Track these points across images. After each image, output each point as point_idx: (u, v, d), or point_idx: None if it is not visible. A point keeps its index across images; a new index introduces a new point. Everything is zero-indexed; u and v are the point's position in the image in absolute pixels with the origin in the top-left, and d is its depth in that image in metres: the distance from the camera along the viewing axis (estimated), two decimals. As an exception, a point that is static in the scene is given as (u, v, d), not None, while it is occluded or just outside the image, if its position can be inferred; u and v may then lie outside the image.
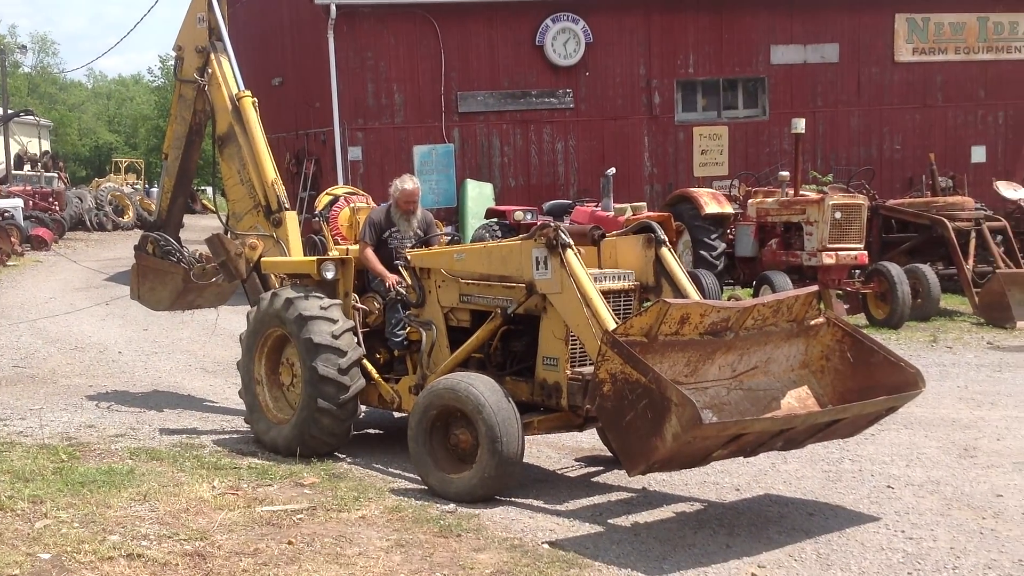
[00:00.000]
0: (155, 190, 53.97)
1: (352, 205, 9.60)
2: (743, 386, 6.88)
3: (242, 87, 10.61)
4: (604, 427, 6.36)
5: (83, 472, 7.59)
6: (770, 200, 15.98)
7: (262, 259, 9.53)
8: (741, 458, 6.99)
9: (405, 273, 8.31)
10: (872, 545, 6.14)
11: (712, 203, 16.30)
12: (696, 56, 21.36)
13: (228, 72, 10.68)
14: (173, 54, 11.27)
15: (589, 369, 7.21)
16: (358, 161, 19.47)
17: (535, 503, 7.08)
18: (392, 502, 7.04)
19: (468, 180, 19.70)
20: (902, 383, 6.70)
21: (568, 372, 7.24)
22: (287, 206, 10.05)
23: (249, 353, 8.82)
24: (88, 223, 35.52)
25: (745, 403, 6.82)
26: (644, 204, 15.99)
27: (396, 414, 9.45)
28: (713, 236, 16.02)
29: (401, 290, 8.31)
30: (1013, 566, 5.74)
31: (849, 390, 6.97)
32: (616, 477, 7.73)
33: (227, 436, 9.19)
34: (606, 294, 7.18)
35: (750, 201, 16.42)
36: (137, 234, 35.87)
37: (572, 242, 7.12)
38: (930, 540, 6.20)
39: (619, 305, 7.46)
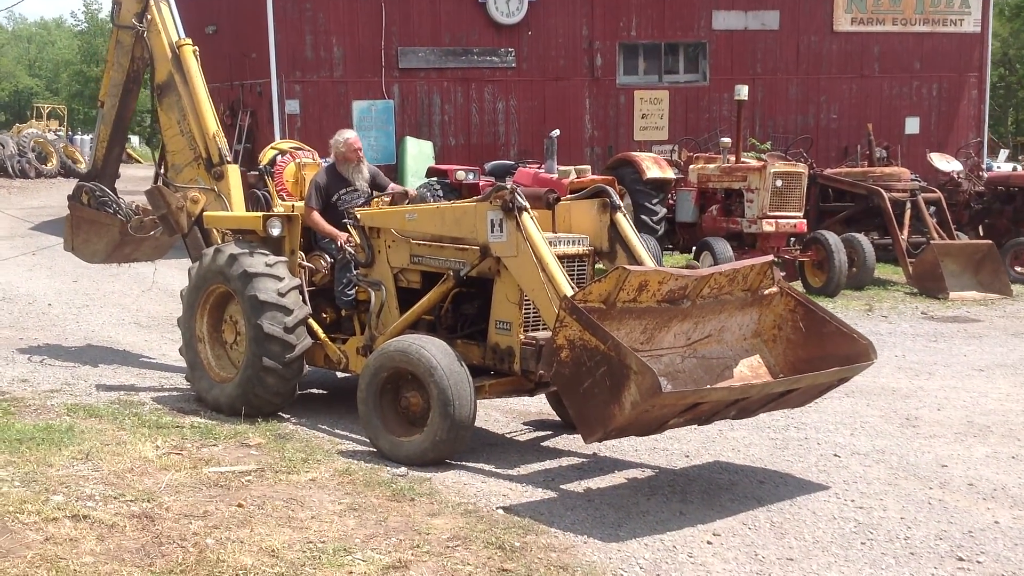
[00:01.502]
0: (79, 137, 52.76)
1: (298, 160, 9.40)
2: (697, 354, 6.88)
3: (183, 35, 10.35)
4: (560, 393, 6.30)
5: (20, 429, 7.37)
6: (711, 166, 16.02)
7: (205, 213, 9.28)
8: (690, 426, 6.99)
9: (354, 232, 8.17)
10: (824, 514, 6.18)
11: (654, 168, 16.30)
12: (639, 19, 21.29)
13: (168, 19, 10.36)
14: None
15: (543, 334, 7.16)
16: (296, 115, 19.12)
17: (486, 467, 7.02)
18: (342, 464, 6.93)
19: (408, 138, 19.47)
20: (854, 354, 6.75)
21: (521, 336, 7.18)
22: (229, 159, 9.82)
23: (190, 310, 8.61)
24: (10, 170, 34.48)
25: (699, 371, 6.82)
26: (588, 167, 15.88)
27: (339, 374, 9.34)
28: (654, 201, 16.04)
29: (350, 249, 8.16)
30: (963, 537, 5.83)
31: (800, 359, 7.01)
32: (566, 442, 7.70)
33: (166, 393, 8.99)
34: (560, 259, 7.10)
35: (691, 167, 16.45)
36: (62, 182, 35.04)
37: (528, 205, 7.04)
38: (880, 510, 6.27)
39: (573, 270, 7.39)
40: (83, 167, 38.60)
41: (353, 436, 7.72)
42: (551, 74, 20.74)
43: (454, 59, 20.09)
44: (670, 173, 16.46)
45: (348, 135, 8.76)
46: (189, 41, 10.16)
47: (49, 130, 45.39)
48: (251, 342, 8.04)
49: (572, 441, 7.70)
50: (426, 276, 7.81)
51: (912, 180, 16.86)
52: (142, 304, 13.59)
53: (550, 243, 7.06)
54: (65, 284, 15.02)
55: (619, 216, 7.58)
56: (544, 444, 7.71)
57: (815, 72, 22.54)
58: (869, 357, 6.72)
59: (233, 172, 9.74)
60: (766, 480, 6.85)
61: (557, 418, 8.23)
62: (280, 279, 8.08)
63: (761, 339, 7.17)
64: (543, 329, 7.20)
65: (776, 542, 5.77)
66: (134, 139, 48.65)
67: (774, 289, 7.07)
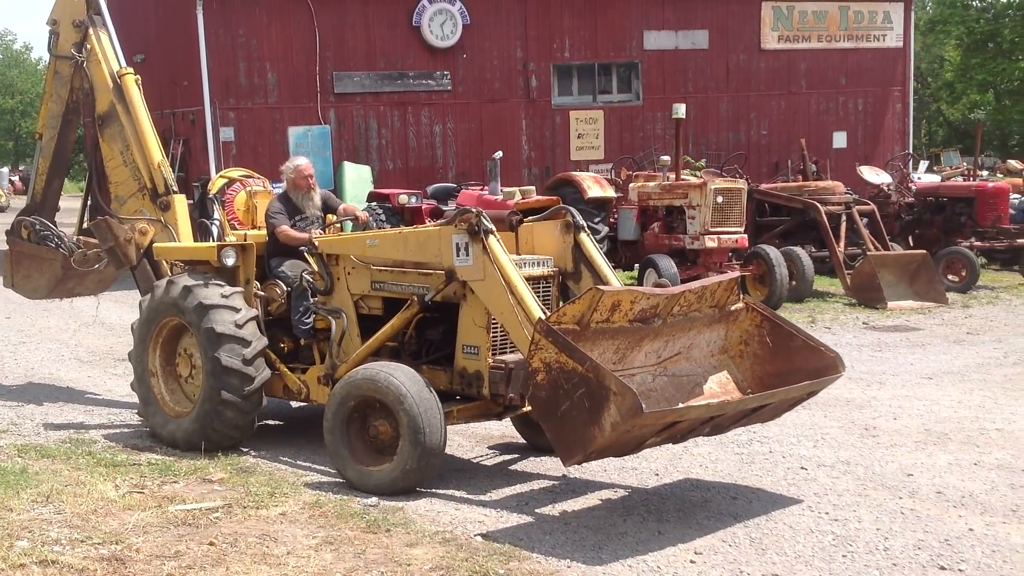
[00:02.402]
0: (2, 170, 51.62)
1: (249, 188, 9.27)
2: (667, 372, 6.88)
3: (123, 63, 10.11)
4: (537, 417, 6.25)
5: (-28, 473, 7.11)
6: (652, 184, 16.12)
7: (155, 245, 9.08)
8: (666, 444, 6.98)
9: (311, 260, 8.05)
10: (801, 528, 6.21)
11: (595, 187, 16.38)
12: (571, 40, 21.43)
13: (108, 48, 10.14)
14: (47, 28, 10.64)
15: (511, 357, 7.12)
16: (231, 142, 18.89)
17: (458, 494, 6.94)
18: (310, 497, 6.80)
19: (345, 162, 19.33)
20: (822, 367, 6.80)
21: (490, 360, 7.12)
22: (175, 189, 9.63)
23: (142, 344, 8.39)
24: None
25: (670, 389, 6.82)
26: (532, 188, 15.91)
27: (294, 404, 9.20)
28: (596, 220, 16.07)
29: (308, 277, 8.04)
30: (940, 545, 5.88)
31: (768, 374, 7.04)
32: (534, 465, 7.65)
33: (118, 431, 8.76)
34: (526, 281, 7.07)
35: (631, 185, 16.54)
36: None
37: (494, 228, 6.99)
38: (855, 522, 6.30)
39: (538, 291, 7.34)
40: (3, 200, 37.86)
41: (317, 467, 7.58)
42: (487, 96, 20.77)
43: (390, 83, 20.02)
44: (611, 192, 16.55)
45: (299, 162, 8.66)
46: (131, 70, 9.97)
47: (-35, 164, 44.38)
48: (208, 375, 7.86)
49: (540, 463, 7.65)
50: (388, 302, 7.72)
51: (846, 193, 17.16)
52: (80, 339, 13.26)
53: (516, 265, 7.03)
54: (-2, 320, 14.62)
55: (583, 236, 7.57)
56: (512, 468, 7.64)
57: (745, 89, 22.88)
58: (837, 370, 6.77)
59: (180, 202, 9.55)
60: (739, 496, 6.86)
61: (522, 441, 8.17)
62: (237, 310, 7.92)
63: (728, 355, 7.20)
64: (511, 352, 7.16)
65: (758, 558, 5.77)
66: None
67: (740, 305, 7.10)
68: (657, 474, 7.38)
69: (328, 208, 8.82)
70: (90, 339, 13.17)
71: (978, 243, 17.64)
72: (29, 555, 5.55)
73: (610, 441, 5.85)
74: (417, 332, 7.63)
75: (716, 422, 6.43)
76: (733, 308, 7.07)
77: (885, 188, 18.96)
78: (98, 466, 7.48)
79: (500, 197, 14.90)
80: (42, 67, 72.60)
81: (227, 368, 7.75)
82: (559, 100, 21.49)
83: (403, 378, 6.86)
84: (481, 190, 15.78)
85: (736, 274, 7.16)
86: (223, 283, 8.08)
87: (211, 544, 5.85)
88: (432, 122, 20.42)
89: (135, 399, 8.72)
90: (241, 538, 5.97)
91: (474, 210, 7.02)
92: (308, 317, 8.17)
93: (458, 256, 7.04)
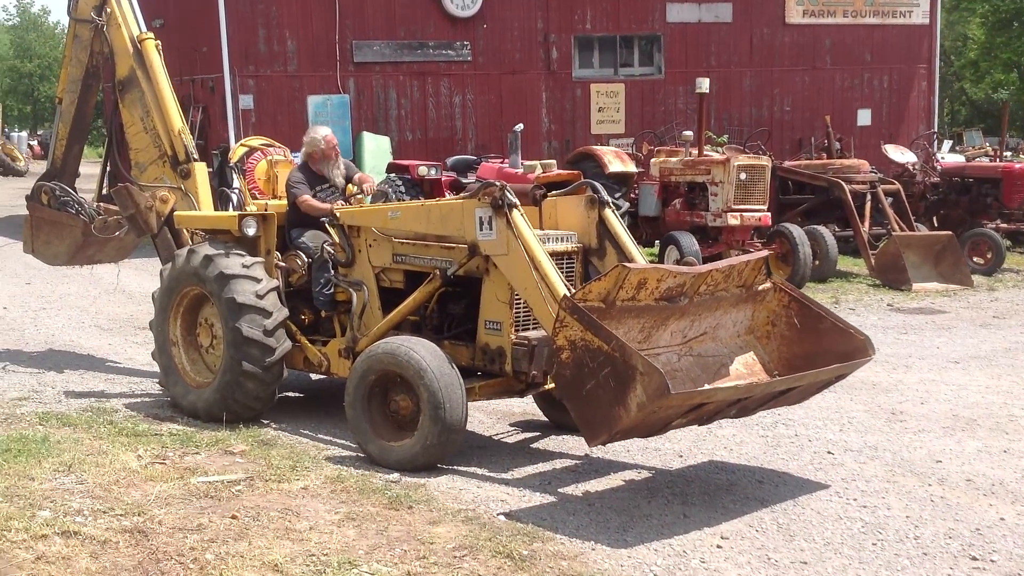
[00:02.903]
0: (15, 134, 51.61)
1: (270, 158, 9.16)
2: (692, 352, 6.77)
3: (144, 28, 10.01)
4: (561, 395, 6.16)
5: (-8, 440, 7.07)
6: (674, 160, 15.95)
7: (176, 213, 8.99)
8: (691, 426, 6.88)
9: (332, 231, 7.96)
10: (829, 514, 6.11)
11: (616, 161, 16.22)
12: (593, 12, 21.19)
13: (128, 12, 10.03)
14: None
15: (535, 333, 7.03)
16: (249, 110, 18.77)
17: (479, 471, 6.86)
18: (331, 471, 6.73)
19: (364, 133, 19.20)
20: (852, 350, 6.67)
21: (512, 336, 7.02)
22: (195, 156, 9.54)
23: (163, 313, 8.33)
24: (-54, 168, 33.64)
25: (696, 370, 6.71)
26: (553, 162, 15.75)
27: (314, 376, 9.14)
28: (617, 195, 15.89)
29: (329, 248, 7.94)
30: (972, 535, 5.78)
31: (795, 356, 6.93)
32: (556, 443, 7.57)
33: (138, 400, 8.71)
34: (550, 256, 6.96)
35: (653, 160, 16.37)
36: (1, 181, 34.14)
37: (519, 202, 6.88)
38: (884, 509, 6.20)
39: (561, 267, 7.22)
40: (22, 164, 37.80)
41: (337, 441, 7.52)
42: (507, 68, 20.59)
43: (409, 53, 19.85)
44: (632, 167, 16.39)
45: (325, 132, 8.55)
46: (151, 35, 9.86)
47: (-16, 127, 44.30)
48: (229, 346, 7.80)
49: (562, 442, 7.57)
50: (410, 276, 7.62)
51: (871, 172, 16.96)
52: (100, 306, 13.22)
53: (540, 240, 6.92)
54: (18, 287, 14.58)
55: (608, 212, 7.45)
56: (534, 446, 7.56)
57: (768, 64, 22.63)
58: (867, 353, 6.65)
59: (200, 170, 9.46)
60: (765, 480, 6.77)
61: (543, 418, 8.09)
62: (258, 281, 7.84)
63: (755, 336, 7.08)
64: (534, 328, 7.07)
65: (786, 545, 5.67)
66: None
67: (767, 285, 6.98)
68: (681, 455, 7.29)
69: (348, 178, 8.72)
70: (110, 307, 13.13)
71: (1004, 225, 17.42)
72: (51, 525, 5.50)
73: (636, 422, 5.75)
74: (439, 306, 7.54)
75: (743, 404, 6.32)
76: (760, 288, 6.95)
77: (910, 167, 18.76)
78: (119, 435, 7.43)
79: (521, 170, 14.76)
80: (60, 31, 72.53)
81: (248, 339, 7.69)
82: (580, 72, 21.28)
83: (424, 353, 6.77)
84: (501, 163, 15.64)
85: (764, 253, 7.01)
86: (244, 253, 8.01)
87: (233, 517, 5.79)
88: (452, 93, 20.26)
89: (155, 368, 8.68)
90: (263, 512, 5.91)
91: (498, 183, 6.90)
92: (328, 288, 8.08)
93: (481, 230, 6.94)
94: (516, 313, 7.05)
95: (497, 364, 7.10)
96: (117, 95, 9.93)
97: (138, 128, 9.76)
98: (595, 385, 5.82)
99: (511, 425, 8.08)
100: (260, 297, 7.78)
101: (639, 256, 7.33)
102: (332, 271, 7.96)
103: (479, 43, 20.35)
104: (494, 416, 8.29)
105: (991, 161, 20.00)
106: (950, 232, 16.02)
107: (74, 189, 10.53)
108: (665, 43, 21.86)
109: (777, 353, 7.02)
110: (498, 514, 6.05)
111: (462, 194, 7.49)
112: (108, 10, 10.03)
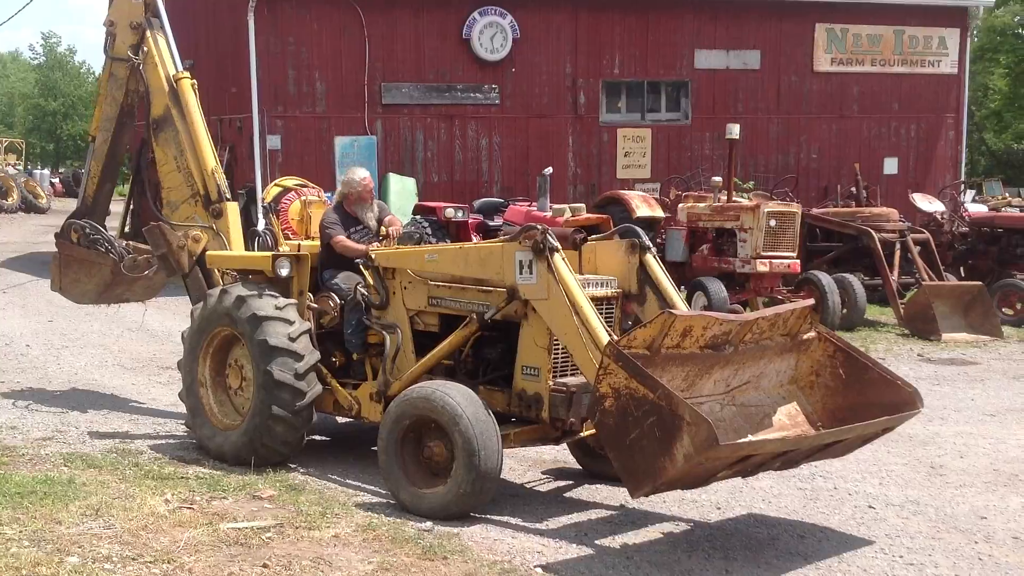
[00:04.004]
0: (38, 172, 51.91)
1: (304, 198, 9.11)
2: (735, 402, 6.63)
3: (180, 67, 10.03)
4: (604, 444, 6.01)
5: (19, 481, 6.96)
6: (702, 205, 15.86)
7: (208, 253, 8.93)
8: (735, 478, 6.71)
9: (367, 273, 7.87)
10: (875, 572, 5.93)
11: (643, 206, 16.15)
12: (622, 57, 21.20)
13: (165, 51, 10.08)
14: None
15: (573, 380, 6.89)
16: (277, 150, 18.77)
17: (513, 521, 6.70)
18: (363, 519, 6.59)
19: (391, 174, 19.18)
20: (899, 402, 6.52)
21: (550, 383, 6.89)
22: (228, 196, 9.50)
23: (192, 353, 8.22)
24: (-30, 206, 33.78)
25: (738, 419, 6.56)
26: (583, 206, 15.68)
27: (339, 419, 9.01)
28: (644, 240, 15.80)
29: (363, 290, 7.85)
30: (1027, 596, 5.60)
31: (839, 407, 6.78)
32: (590, 492, 7.41)
33: (164, 441, 8.60)
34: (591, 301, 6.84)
35: (681, 205, 16.28)
36: (23, 217, 34.28)
37: (560, 246, 6.78)
38: (931, 567, 6.02)
39: (601, 312, 7.10)
40: (44, 201, 37.97)
41: (367, 487, 7.38)
42: (535, 111, 20.58)
43: (438, 95, 19.87)
44: (659, 212, 16.32)
45: (363, 174, 8.49)
46: (188, 74, 9.88)
47: (7, 164, 44.56)
48: (259, 389, 7.68)
49: (596, 491, 7.41)
50: (445, 319, 7.52)
51: (900, 221, 16.82)
52: (123, 345, 13.14)
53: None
54: (41, 324, 14.52)
55: (648, 257, 7.32)
56: (568, 495, 7.41)
57: (796, 112, 22.55)
58: (916, 405, 6.49)
59: (232, 209, 9.42)
60: (806, 535, 6.59)
61: (575, 466, 7.94)
62: (290, 323, 7.74)
63: (798, 385, 6.93)
64: (572, 375, 6.94)
65: (835, 603, 5.50)
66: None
67: (812, 334, 6.85)
68: (719, 507, 7.12)
69: (380, 220, 8.65)
70: (133, 345, 13.06)
71: (1034, 275, 17.21)
72: (80, 572, 5.37)
73: (681, 473, 5.61)
74: (474, 351, 7.42)
75: (789, 456, 6.17)
76: (805, 337, 6.81)
77: (938, 217, 18.61)
78: (146, 478, 7.31)
79: (549, 214, 14.68)
80: (85, 70, 73.27)
81: (279, 382, 7.57)
82: (607, 117, 21.25)
83: (459, 398, 6.65)
84: (529, 206, 15.57)
85: (810, 302, 6.89)
86: (277, 294, 7.91)
87: (264, 567, 5.65)
88: (479, 136, 20.24)
89: (180, 408, 8.58)
90: (295, 561, 5.77)
91: (539, 227, 6.80)
92: (360, 331, 7.97)
93: (521, 274, 6.84)
94: (554, 359, 6.92)
95: (534, 411, 6.97)
96: (150, 133, 9.92)
97: (171, 167, 9.74)
98: (640, 434, 5.68)
99: (543, 473, 7.93)
100: (293, 340, 7.68)
101: (680, 303, 7.20)
102: (365, 313, 7.87)
103: (507, 87, 20.36)
104: (525, 463, 8.14)
105: (1022, 212, 19.79)
106: (980, 283, 15.83)
107: (104, 227, 10.49)
108: (693, 89, 21.83)
109: (821, 404, 6.87)
110: (535, 566, 5.90)
111: (502, 237, 7.38)
112: (145, 49, 10.08)
